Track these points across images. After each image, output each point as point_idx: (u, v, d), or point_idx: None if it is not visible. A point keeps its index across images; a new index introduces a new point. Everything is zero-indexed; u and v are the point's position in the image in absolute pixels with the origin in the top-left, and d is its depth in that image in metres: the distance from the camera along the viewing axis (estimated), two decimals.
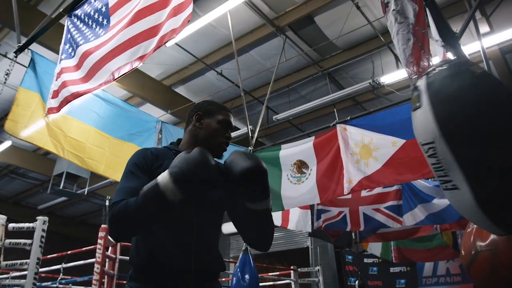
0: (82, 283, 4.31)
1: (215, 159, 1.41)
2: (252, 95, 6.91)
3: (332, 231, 5.69)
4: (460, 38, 2.80)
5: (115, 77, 2.33)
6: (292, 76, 6.59)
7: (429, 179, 4.76)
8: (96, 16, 2.71)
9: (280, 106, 7.08)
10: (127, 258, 4.24)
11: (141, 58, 2.22)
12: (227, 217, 1.54)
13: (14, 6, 3.45)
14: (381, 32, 5.29)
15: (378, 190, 4.89)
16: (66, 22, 3.04)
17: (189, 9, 2.06)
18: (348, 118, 3.89)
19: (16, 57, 3.28)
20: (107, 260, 3.53)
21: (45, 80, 3.23)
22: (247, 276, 4.33)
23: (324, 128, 4.22)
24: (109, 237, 3.55)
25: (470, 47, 4.58)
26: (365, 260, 7.38)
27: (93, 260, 3.49)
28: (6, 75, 3.02)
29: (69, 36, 2.92)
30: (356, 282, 6.88)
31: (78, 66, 2.69)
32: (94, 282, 3.34)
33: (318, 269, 6.35)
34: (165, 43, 2.14)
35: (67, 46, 2.93)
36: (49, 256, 4.32)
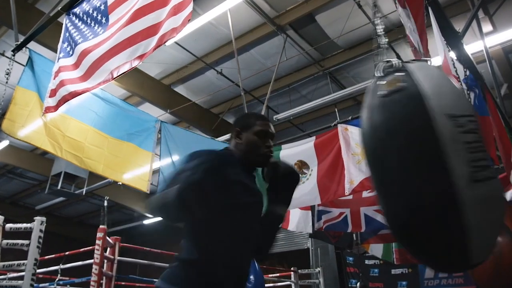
0: (80, 284, 4.31)
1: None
2: (252, 95, 6.90)
3: (333, 232, 5.68)
4: (462, 37, 2.81)
5: (114, 76, 2.33)
6: (292, 75, 6.58)
7: None
8: (94, 14, 2.70)
9: (281, 105, 7.08)
10: (125, 259, 4.25)
11: (140, 57, 2.21)
12: None
13: (12, 4, 3.45)
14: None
15: None
16: (64, 20, 3.04)
17: (189, 8, 2.06)
18: (350, 118, 3.89)
19: (14, 55, 3.28)
20: (105, 261, 3.53)
21: (43, 79, 3.22)
22: (251, 277, 4.34)
23: (325, 128, 4.23)
24: (108, 238, 3.55)
25: (472, 47, 4.57)
26: (366, 262, 7.37)
27: (91, 261, 3.49)
28: (7, 74, 3.02)
29: (67, 34, 2.92)
30: (357, 284, 6.87)
31: (76, 65, 2.68)
32: (92, 283, 3.34)
33: (319, 271, 6.35)
34: (165, 42, 2.14)
35: (65, 45, 2.92)
36: (46, 257, 4.32)
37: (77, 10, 2.92)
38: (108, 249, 3.63)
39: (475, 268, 1.87)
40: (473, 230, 1.07)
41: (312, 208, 5.11)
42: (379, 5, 5.09)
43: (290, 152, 4.15)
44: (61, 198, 10.12)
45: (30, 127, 3.15)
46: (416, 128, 1.13)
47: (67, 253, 4.30)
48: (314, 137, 4.06)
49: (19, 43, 3.29)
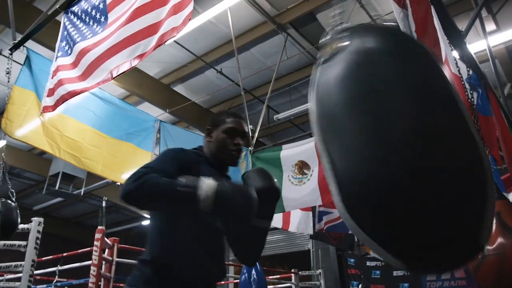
0: (78, 285, 4.30)
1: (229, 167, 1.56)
2: (252, 94, 6.90)
3: (334, 233, 5.69)
4: (465, 36, 2.80)
5: (114, 76, 2.33)
6: (293, 74, 6.58)
7: None
8: (93, 13, 2.70)
9: (281, 105, 7.08)
10: (124, 260, 4.24)
11: (140, 56, 2.22)
12: None
13: (9, 2, 3.45)
14: None
15: None
16: (62, 19, 3.04)
17: (190, 7, 2.06)
18: None
19: (11, 54, 3.27)
20: (103, 262, 3.52)
21: (40, 78, 3.23)
22: (254, 276, 4.36)
23: None
24: (106, 239, 3.55)
25: (476, 46, 4.57)
26: (368, 263, 7.37)
27: (89, 262, 3.49)
28: (7, 73, 3.02)
29: (65, 33, 2.92)
30: (359, 285, 6.87)
31: (75, 64, 2.68)
32: (90, 284, 3.34)
33: (320, 273, 6.35)
34: (165, 41, 2.14)
35: (63, 44, 2.92)
36: (44, 258, 4.32)
37: (75, 8, 2.92)
38: (107, 250, 3.63)
39: (478, 270, 1.87)
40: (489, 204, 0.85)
41: (313, 209, 5.11)
42: (379, 5, 5.10)
43: (291, 153, 4.15)
44: (59, 199, 10.11)
45: (28, 127, 3.15)
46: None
47: (65, 254, 4.29)
48: None
49: (16, 41, 3.29)
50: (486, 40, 3.86)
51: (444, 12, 2.46)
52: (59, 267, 4.16)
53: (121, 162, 3.83)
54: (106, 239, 3.56)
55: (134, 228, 12.32)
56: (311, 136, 4.16)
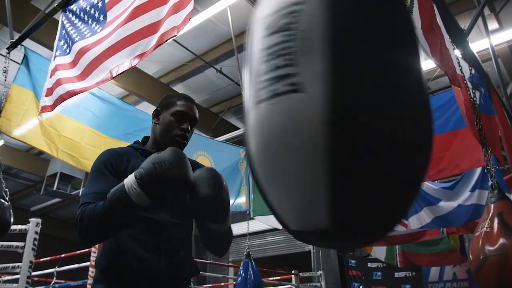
0: (77, 287, 4.31)
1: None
2: None
3: None
4: (468, 35, 2.81)
5: (113, 76, 2.34)
6: None
7: (436, 181, 4.77)
8: (92, 11, 2.71)
9: None
10: None
11: (140, 56, 2.22)
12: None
13: (6, 1, 3.45)
14: None
15: None
16: (60, 17, 3.04)
17: (190, 6, 2.07)
18: None
19: (8, 53, 3.28)
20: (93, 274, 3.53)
21: (38, 78, 3.23)
22: (250, 283, 4.37)
23: None
24: None
25: (478, 45, 4.58)
26: (369, 265, 7.38)
27: (87, 263, 3.50)
28: (5, 72, 3.02)
29: (63, 32, 2.93)
30: (360, 287, 6.88)
31: (73, 63, 2.69)
32: (88, 286, 3.34)
33: (320, 274, 6.36)
34: (165, 41, 2.14)
35: (61, 43, 2.93)
36: (42, 260, 4.32)
37: (73, 7, 2.92)
38: None
39: (480, 271, 1.87)
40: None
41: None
42: None
43: None
44: (57, 199, 10.12)
45: (26, 126, 3.16)
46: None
47: (63, 255, 4.30)
48: None
49: (14, 40, 3.29)
50: (489, 39, 3.86)
51: (446, 10, 2.46)
52: (57, 269, 4.16)
53: None
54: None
55: None
56: None
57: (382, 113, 0.61)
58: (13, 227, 3.02)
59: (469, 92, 2.51)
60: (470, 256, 2.00)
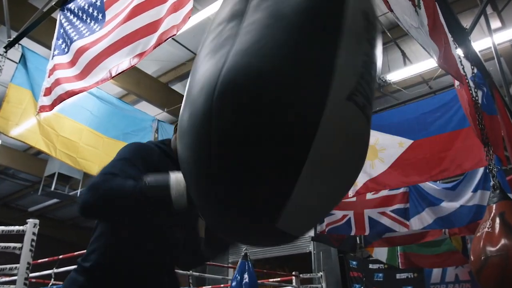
0: None
1: None
2: None
3: (335, 235, 5.69)
4: (470, 34, 2.81)
5: (113, 75, 2.34)
6: None
7: (438, 182, 4.77)
8: (90, 10, 2.72)
9: None
10: None
11: (140, 55, 2.23)
12: None
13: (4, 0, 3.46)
14: (387, 28, 5.29)
15: (384, 192, 4.90)
16: (58, 16, 3.05)
17: (190, 5, 2.07)
18: None
19: (6, 52, 3.29)
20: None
21: (36, 77, 3.24)
22: (246, 283, 4.37)
23: None
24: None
25: (481, 43, 4.59)
26: (370, 266, 7.38)
27: None
28: None
29: (62, 31, 2.93)
30: None
31: (72, 63, 2.69)
32: None
33: (321, 275, 6.36)
34: (165, 40, 2.15)
35: (60, 42, 2.93)
36: (40, 261, 4.32)
37: (71, 5, 2.93)
38: None
39: (481, 272, 1.87)
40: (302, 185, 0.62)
41: None
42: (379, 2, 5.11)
43: None
44: (54, 200, 10.12)
45: (24, 126, 3.17)
46: None
47: (61, 256, 4.30)
48: None
49: (11, 39, 3.30)
50: (491, 37, 3.87)
51: (448, 9, 2.47)
52: (55, 270, 4.17)
53: None
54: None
55: None
56: None
57: None
58: (10, 228, 3.03)
59: (471, 92, 2.51)
60: (471, 257, 2.01)
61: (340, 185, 0.70)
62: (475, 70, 2.74)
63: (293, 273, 5.94)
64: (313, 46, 0.64)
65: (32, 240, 2.97)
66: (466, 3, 5.09)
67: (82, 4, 2.81)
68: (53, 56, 2.91)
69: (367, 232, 5.12)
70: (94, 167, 3.66)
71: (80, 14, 2.81)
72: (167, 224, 1.29)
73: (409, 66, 5.86)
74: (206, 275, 5.96)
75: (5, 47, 3.31)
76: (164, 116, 6.71)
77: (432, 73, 5.97)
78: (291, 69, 0.62)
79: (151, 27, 2.24)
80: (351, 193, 3.67)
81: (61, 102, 2.71)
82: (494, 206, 2.06)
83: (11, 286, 3.68)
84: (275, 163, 0.61)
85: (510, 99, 3.56)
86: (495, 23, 4.99)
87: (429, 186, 4.63)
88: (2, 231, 3.03)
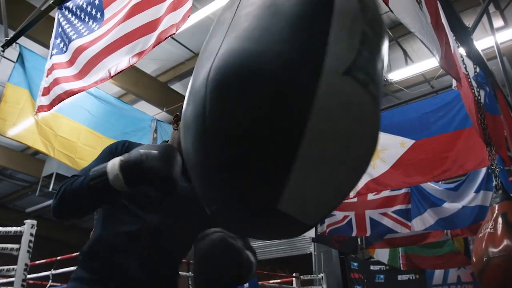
0: None
1: None
2: None
3: (336, 236, 5.70)
4: (472, 32, 2.82)
5: (112, 74, 2.35)
6: None
7: (440, 182, 4.77)
8: (88, 9, 2.72)
9: None
10: None
11: (139, 54, 2.23)
12: None
13: None
14: (389, 26, 5.29)
15: (385, 193, 4.90)
16: (56, 15, 3.05)
17: (189, 3, 2.08)
18: None
19: (3, 51, 3.29)
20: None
21: (34, 76, 3.24)
22: (246, 285, 4.37)
23: None
24: None
25: (483, 42, 4.59)
26: (372, 267, 7.38)
27: None
28: None
29: (60, 30, 2.93)
30: None
31: (71, 62, 2.70)
32: None
33: (322, 277, 6.36)
34: (164, 39, 2.15)
35: (58, 41, 2.94)
36: (37, 262, 4.33)
37: (69, 4, 2.93)
38: None
39: (483, 274, 1.87)
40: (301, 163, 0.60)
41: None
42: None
43: None
44: (52, 201, 10.13)
45: (22, 126, 3.17)
46: None
47: (58, 258, 4.31)
48: None
49: (9, 38, 3.30)
50: (494, 36, 3.87)
51: (450, 7, 2.47)
52: (53, 271, 4.17)
53: None
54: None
55: None
56: None
57: None
58: (8, 229, 3.03)
59: (473, 91, 2.52)
60: (474, 258, 2.01)
61: (347, 167, 0.68)
62: (478, 69, 2.74)
63: (294, 274, 5.95)
64: (303, 23, 0.65)
65: (30, 241, 2.97)
66: (468, 1, 5.09)
67: (81, 3, 2.81)
68: (51, 55, 2.91)
69: (368, 233, 5.13)
70: None
71: (78, 12, 2.82)
72: (144, 210, 1.31)
73: (411, 65, 5.87)
74: None
75: (2, 46, 3.31)
76: (163, 115, 6.72)
77: (434, 72, 5.98)
78: (282, 46, 0.62)
79: (150, 26, 2.24)
80: (352, 193, 3.67)
81: (60, 102, 2.71)
82: (496, 206, 2.06)
83: (9, 287, 3.68)
84: (271, 139, 0.60)
85: None
86: (498, 22, 4.99)
87: (431, 186, 4.64)
88: None
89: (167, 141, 1.49)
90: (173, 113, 6.86)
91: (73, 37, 2.74)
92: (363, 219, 5.05)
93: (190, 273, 4.44)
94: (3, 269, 3.01)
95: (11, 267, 2.96)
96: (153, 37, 2.20)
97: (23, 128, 3.17)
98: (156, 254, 1.29)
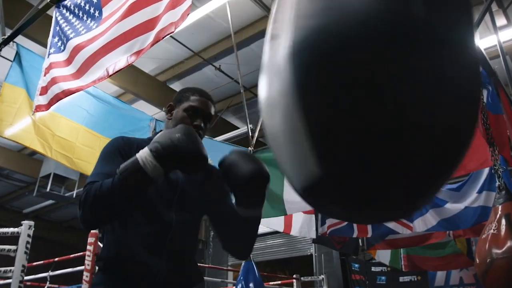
0: None
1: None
2: (252, 92, 6.91)
3: (337, 237, 5.69)
4: (475, 31, 2.81)
5: (110, 73, 2.34)
6: None
7: None
8: (87, 7, 2.72)
9: None
10: None
11: (137, 53, 2.23)
12: None
13: None
14: None
15: None
16: (54, 13, 3.05)
17: (188, 1, 2.08)
18: None
19: (0, 50, 3.29)
20: (96, 267, 3.53)
21: (31, 75, 3.24)
22: (251, 285, 4.37)
23: None
24: (99, 243, 3.55)
25: (486, 41, 4.58)
26: (373, 269, 7.38)
27: (82, 267, 3.49)
28: None
29: (57, 28, 2.93)
30: None
31: (69, 61, 2.70)
32: None
33: (323, 278, 6.36)
34: (163, 37, 2.15)
35: (56, 39, 2.93)
36: (35, 263, 4.33)
37: (67, 2, 2.93)
38: None
39: (487, 275, 1.87)
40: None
41: (315, 212, 5.12)
42: None
43: None
44: (50, 201, 10.12)
45: (18, 126, 3.16)
46: None
47: (56, 259, 4.30)
48: None
49: (6, 37, 3.30)
50: (497, 35, 3.86)
51: None
52: (51, 273, 4.17)
53: None
54: (99, 243, 3.56)
55: None
56: None
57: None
58: (5, 229, 3.03)
59: None
60: (477, 259, 2.01)
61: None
62: (480, 69, 2.74)
63: (294, 276, 5.94)
64: None
65: (27, 242, 2.97)
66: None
67: (78, 1, 2.81)
68: (48, 54, 2.91)
69: (369, 234, 5.12)
70: (91, 168, 3.64)
71: (76, 11, 2.81)
72: (161, 206, 1.34)
73: None
74: (205, 278, 5.96)
75: None
76: (162, 115, 6.70)
77: None
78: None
79: (149, 25, 2.23)
80: None
81: (57, 101, 2.71)
82: (499, 207, 2.06)
83: None
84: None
85: None
86: (501, 21, 4.99)
87: None
88: None
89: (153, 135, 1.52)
90: None
91: (71, 35, 2.74)
92: None
93: None
94: (0, 271, 3.00)
95: (8, 268, 2.96)
96: (151, 35, 2.20)
97: (19, 128, 3.17)
98: (178, 248, 1.34)
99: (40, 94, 2.84)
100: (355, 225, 5.06)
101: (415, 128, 0.57)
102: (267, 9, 5.38)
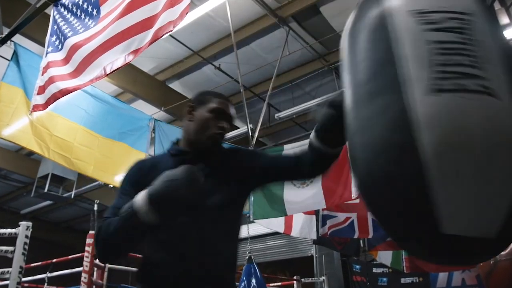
0: None
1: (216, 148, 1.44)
2: (252, 91, 6.91)
3: (338, 238, 5.69)
4: None
5: (107, 72, 2.34)
6: (295, 71, 6.58)
7: None
8: (84, 6, 2.71)
9: (283, 103, 7.08)
10: (117, 267, 4.24)
11: (135, 52, 2.23)
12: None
13: None
14: None
15: None
16: (52, 12, 3.05)
17: (187, 0, 2.07)
18: None
19: None
20: (95, 269, 3.53)
21: (29, 75, 3.23)
22: (253, 282, 4.37)
23: None
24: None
25: None
26: (374, 270, 7.37)
27: (80, 269, 3.49)
28: None
29: (55, 27, 2.93)
30: None
31: (66, 60, 2.69)
32: None
33: (323, 280, 6.36)
34: (161, 36, 2.14)
35: (53, 38, 2.93)
36: (32, 265, 4.33)
37: (65, 1, 2.93)
38: None
39: (490, 277, 1.87)
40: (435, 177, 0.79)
41: (316, 212, 5.11)
42: None
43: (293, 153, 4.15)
44: (48, 202, 10.11)
45: (16, 126, 3.16)
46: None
47: (54, 260, 4.30)
48: None
49: (3, 36, 3.29)
50: None
51: None
52: (49, 274, 4.16)
53: (114, 163, 3.83)
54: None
55: None
56: None
57: None
58: (2, 230, 3.02)
59: None
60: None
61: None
62: None
63: (295, 277, 5.94)
64: None
65: (25, 243, 2.96)
66: None
67: (77, 0, 2.81)
68: (46, 53, 2.91)
69: (370, 235, 5.11)
70: (89, 168, 3.65)
71: (74, 9, 2.81)
72: (190, 223, 1.32)
73: None
74: None
75: None
76: (161, 115, 6.71)
77: None
78: None
79: (147, 23, 2.23)
80: (354, 195, 3.66)
81: (55, 100, 2.70)
82: None
83: None
84: None
85: None
86: (503, 19, 4.99)
87: None
88: None
89: (178, 140, 1.51)
90: (171, 112, 6.87)
91: (69, 34, 2.73)
92: (365, 221, 5.04)
93: None
94: None
95: (6, 269, 2.95)
96: (149, 34, 2.20)
97: (17, 129, 3.17)
98: (205, 259, 1.32)
99: (38, 94, 2.84)
100: (356, 226, 5.05)
101: None
102: (267, 8, 5.38)
